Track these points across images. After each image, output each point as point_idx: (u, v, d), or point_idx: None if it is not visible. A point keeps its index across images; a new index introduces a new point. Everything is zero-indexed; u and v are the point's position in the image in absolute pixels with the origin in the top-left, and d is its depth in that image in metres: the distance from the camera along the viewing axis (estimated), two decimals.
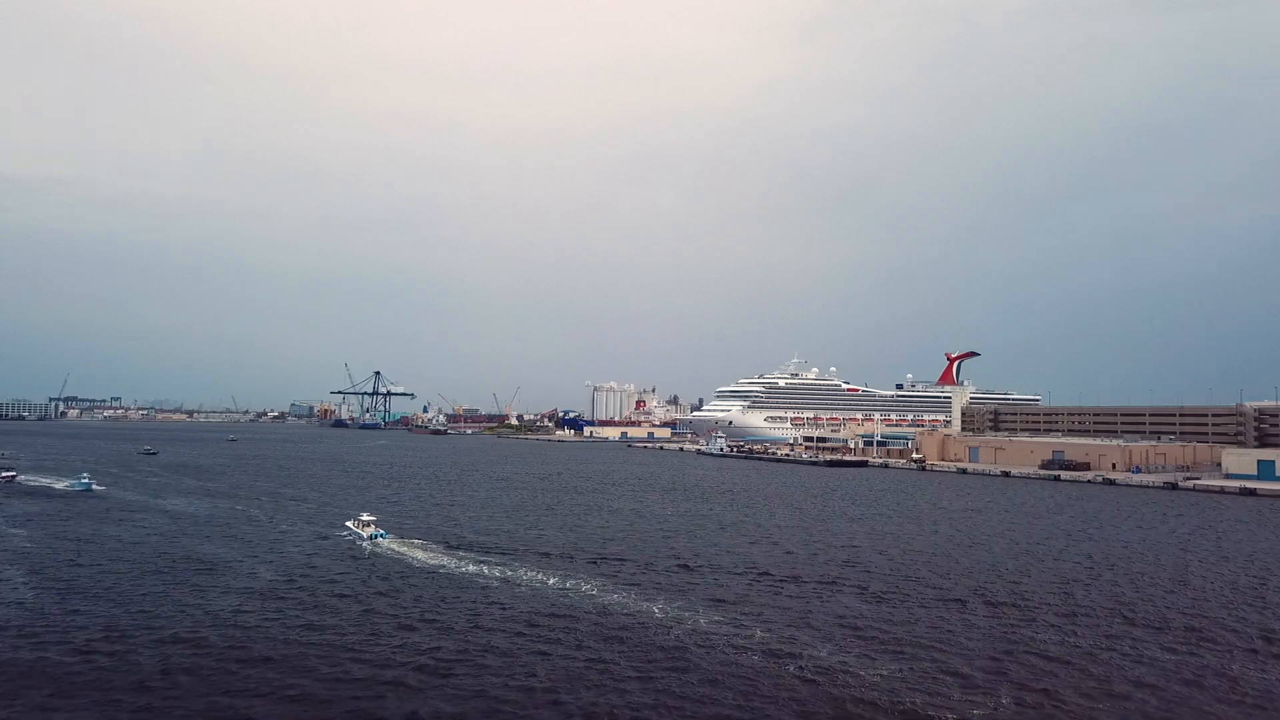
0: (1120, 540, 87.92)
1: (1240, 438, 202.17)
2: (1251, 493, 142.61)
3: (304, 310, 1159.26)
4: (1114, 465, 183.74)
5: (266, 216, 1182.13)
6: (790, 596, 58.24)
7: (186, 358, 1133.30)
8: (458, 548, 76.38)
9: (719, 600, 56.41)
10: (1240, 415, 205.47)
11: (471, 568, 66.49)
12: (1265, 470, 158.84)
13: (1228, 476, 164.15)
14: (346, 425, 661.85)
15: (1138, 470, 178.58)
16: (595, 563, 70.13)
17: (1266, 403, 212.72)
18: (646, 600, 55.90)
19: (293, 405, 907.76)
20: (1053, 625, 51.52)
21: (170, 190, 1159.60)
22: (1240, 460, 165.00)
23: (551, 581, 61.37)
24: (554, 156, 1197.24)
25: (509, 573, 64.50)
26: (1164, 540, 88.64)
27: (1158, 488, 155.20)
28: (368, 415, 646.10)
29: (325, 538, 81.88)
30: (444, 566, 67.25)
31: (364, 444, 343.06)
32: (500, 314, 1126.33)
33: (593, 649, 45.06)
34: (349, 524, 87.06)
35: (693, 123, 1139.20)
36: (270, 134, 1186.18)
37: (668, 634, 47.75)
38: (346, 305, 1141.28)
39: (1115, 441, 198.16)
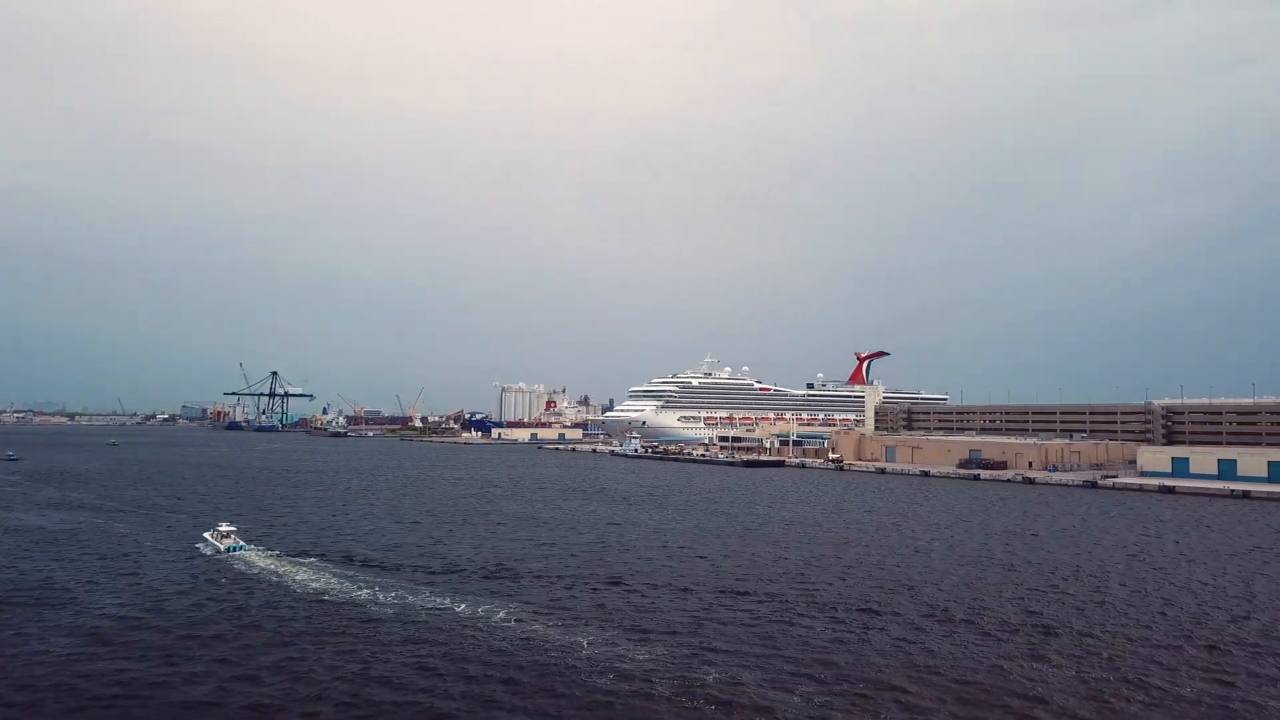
0: (1068, 546, 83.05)
1: (1149, 435, 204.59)
2: (1170, 490, 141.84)
3: (198, 309, 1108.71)
4: (1031, 464, 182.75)
5: (159, 212, 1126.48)
6: (746, 624, 50.23)
7: (70, 358, 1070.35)
8: (347, 564, 66.50)
9: (665, 631, 48.01)
10: (1148, 413, 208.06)
11: (361, 591, 56.69)
12: (1179, 467, 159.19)
13: (1143, 474, 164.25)
14: (241, 428, 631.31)
15: (1054, 469, 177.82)
16: (511, 580, 61.21)
17: (1173, 400, 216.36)
18: (570, 632, 47.20)
19: (184, 407, 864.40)
20: (1075, 657, 44.89)
21: (53, 183, 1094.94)
22: (1155, 458, 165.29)
23: (461, 608, 52.16)
24: (458, 151, 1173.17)
25: (406, 597, 54.96)
26: (1113, 547, 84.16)
27: (1077, 486, 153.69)
28: (264, 417, 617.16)
29: (192, 556, 70.71)
30: (327, 590, 57.15)
31: (258, 448, 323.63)
32: (405, 314, 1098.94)
33: (505, 708, 36.20)
34: (207, 535, 76.30)
35: (597, 123, 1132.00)
36: (161, 126, 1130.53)
37: (600, 678, 39.19)
38: (243, 304, 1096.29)
39: (1030, 440, 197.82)
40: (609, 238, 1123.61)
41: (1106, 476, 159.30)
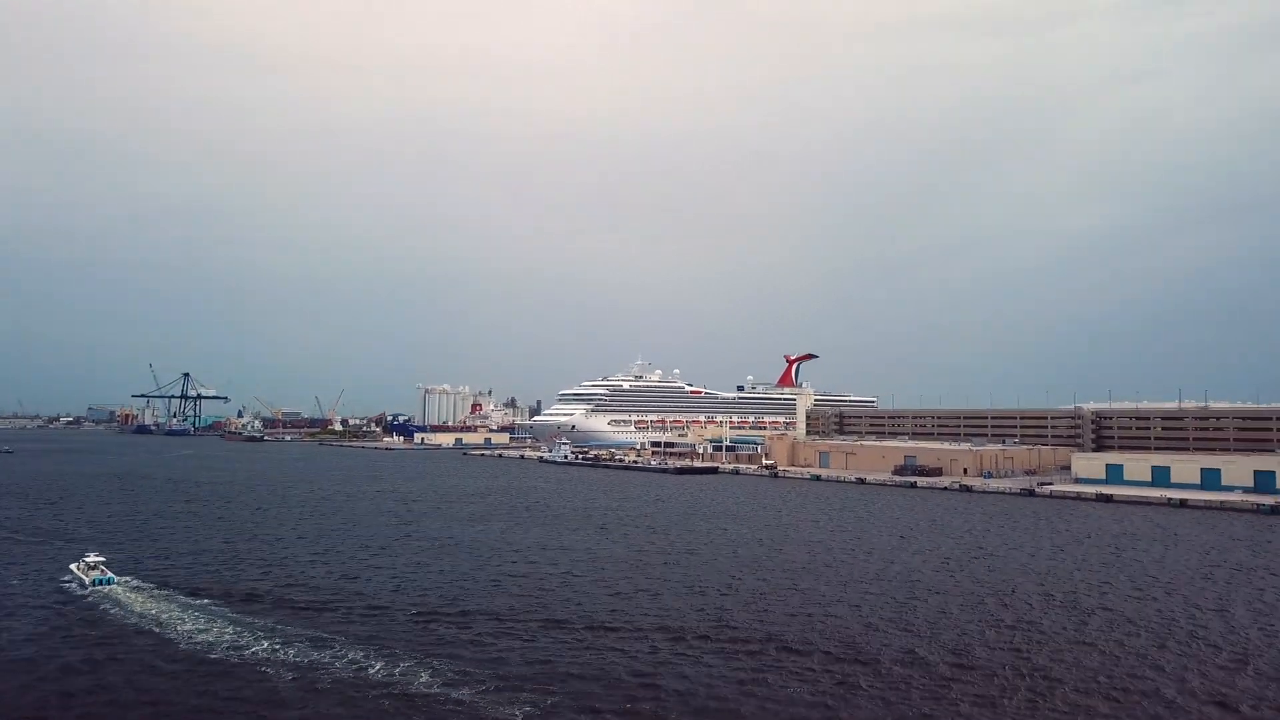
0: (1032, 571, 79.02)
1: (1078, 440, 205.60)
2: (1108, 498, 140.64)
3: (107, 306, 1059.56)
4: (965, 470, 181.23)
5: (65, 205, 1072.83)
6: (716, 681, 43.95)
7: None
8: (248, 604, 58.32)
9: (621, 694, 41.45)
10: (1078, 418, 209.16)
11: (260, 645, 48.69)
12: (1114, 474, 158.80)
13: (1077, 480, 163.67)
14: (151, 431, 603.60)
15: (989, 475, 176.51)
16: (438, 624, 54.00)
17: (1102, 404, 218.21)
18: (507, 700, 40.29)
19: (90, 409, 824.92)
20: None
21: None
22: (1089, 464, 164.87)
23: (377, 667, 44.79)
24: (376, 148, 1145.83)
25: (313, 653, 47.23)
26: (1077, 570, 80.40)
27: (1014, 494, 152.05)
28: (175, 421, 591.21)
29: (55, 593, 61.76)
30: (216, 644, 48.92)
31: (166, 455, 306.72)
32: (326, 313, 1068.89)
33: None
34: (72, 567, 67.43)
35: (520, 122, 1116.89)
36: (67, 118, 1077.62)
37: None
38: (156, 301, 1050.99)
39: (964, 445, 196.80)
40: (539, 234, 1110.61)
41: (1043, 484, 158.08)
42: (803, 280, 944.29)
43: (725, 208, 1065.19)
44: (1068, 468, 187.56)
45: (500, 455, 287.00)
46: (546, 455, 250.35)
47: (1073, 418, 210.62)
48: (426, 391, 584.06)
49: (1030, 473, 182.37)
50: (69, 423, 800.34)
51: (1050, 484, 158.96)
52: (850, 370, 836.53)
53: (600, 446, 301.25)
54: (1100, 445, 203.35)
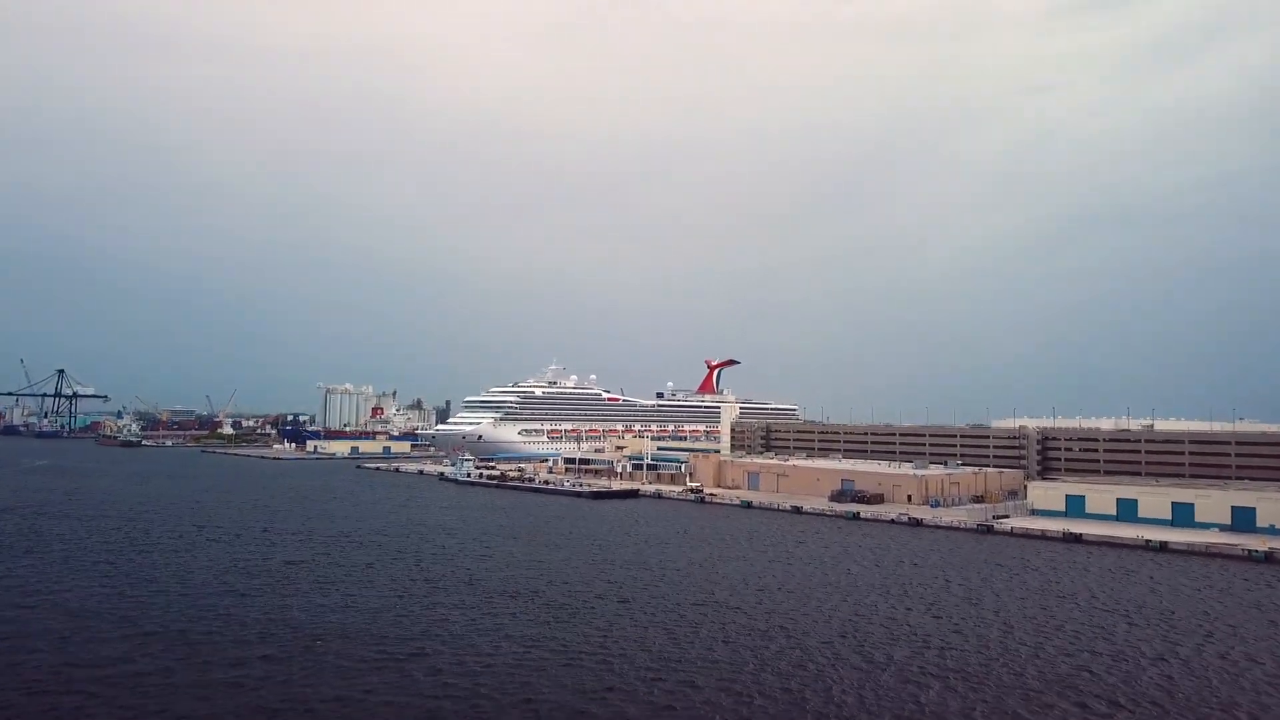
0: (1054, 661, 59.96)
1: (1023, 461, 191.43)
2: (1076, 538, 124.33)
3: None
4: (910, 497, 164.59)
5: None
6: None
7: None
8: None
9: None
10: (1023, 438, 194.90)
11: None
12: (1074, 506, 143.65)
13: (1033, 512, 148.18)
14: (19, 432, 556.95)
15: (936, 503, 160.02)
16: None
17: (1047, 422, 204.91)
18: None
19: None
20: None
21: None
22: (1046, 495, 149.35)
23: None
24: (282, 135, 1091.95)
25: None
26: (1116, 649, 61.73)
27: (970, 529, 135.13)
28: (46, 421, 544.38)
29: None
30: None
31: (19, 461, 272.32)
32: (221, 306, 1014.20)
33: None
34: None
35: (429, 114, 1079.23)
36: None
37: None
38: (31, 293, 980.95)
39: (907, 469, 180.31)
40: (451, 228, 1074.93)
41: (999, 518, 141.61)
42: (720, 283, 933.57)
43: (639, 209, 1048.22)
44: (1015, 493, 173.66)
45: (398, 469, 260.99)
46: (448, 472, 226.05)
47: (1016, 437, 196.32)
48: (327, 391, 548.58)
49: (978, 499, 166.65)
50: None
51: (1007, 517, 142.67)
52: (770, 377, 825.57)
53: (510, 459, 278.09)
54: (1046, 468, 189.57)
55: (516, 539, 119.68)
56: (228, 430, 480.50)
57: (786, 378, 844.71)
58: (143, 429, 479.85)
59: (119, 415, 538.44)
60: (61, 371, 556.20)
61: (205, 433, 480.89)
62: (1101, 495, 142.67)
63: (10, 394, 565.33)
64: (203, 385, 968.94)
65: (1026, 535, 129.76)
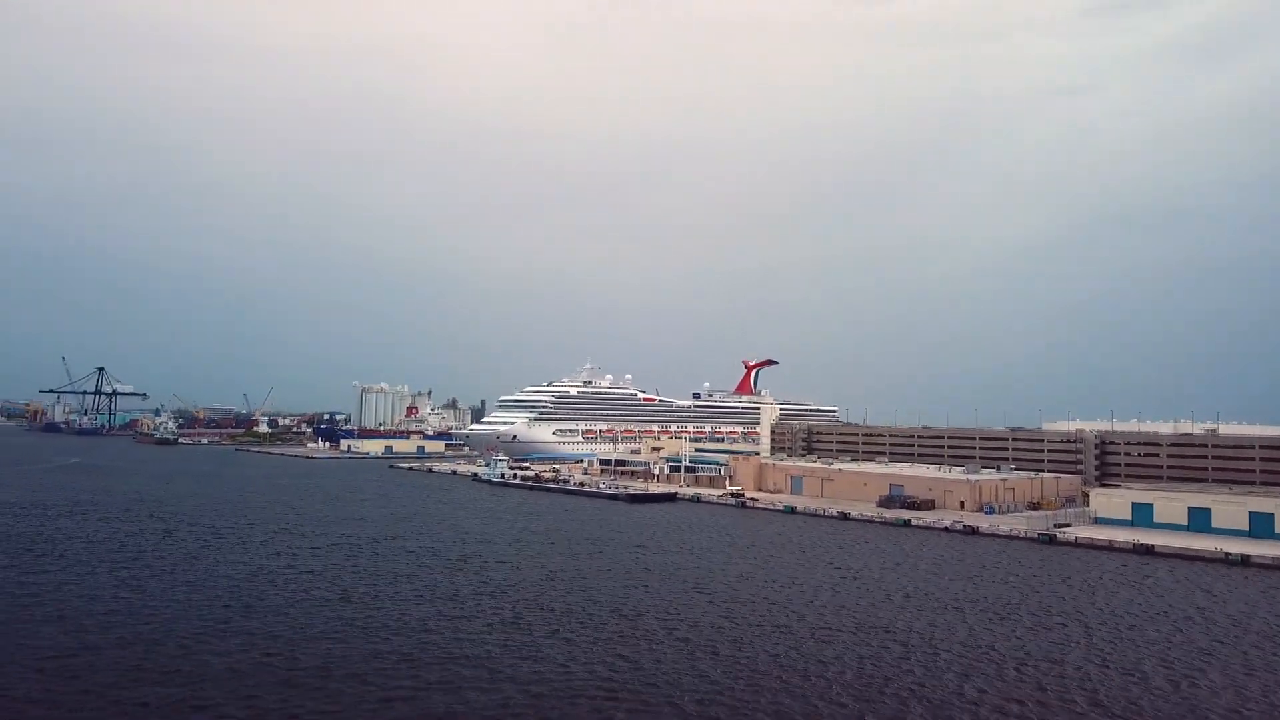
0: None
1: (1080, 466, 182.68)
2: (1148, 550, 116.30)
3: (26, 294, 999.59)
4: (962, 504, 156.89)
5: None
6: None
7: None
8: None
9: None
10: (1080, 441, 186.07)
11: None
12: (1141, 515, 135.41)
13: (1096, 520, 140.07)
14: (60, 430, 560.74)
15: (991, 510, 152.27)
16: None
17: (1105, 425, 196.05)
18: None
19: (4, 403, 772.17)
20: None
21: None
22: (1111, 503, 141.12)
23: None
24: (312, 137, 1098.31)
25: None
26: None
27: (1030, 539, 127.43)
28: (86, 419, 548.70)
29: None
30: None
31: (49, 461, 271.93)
32: (260, 305, 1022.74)
33: None
34: None
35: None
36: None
37: None
38: (75, 292, 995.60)
39: (954, 472, 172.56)
40: (489, 227, 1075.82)
41: (1061, 526, 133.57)
42: (758, 285, 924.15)
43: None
44: (1072, 500, 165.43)
45: (430, 469, 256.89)
46: (481, 473, 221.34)
47: (1073, 441, 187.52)
48: (363, 390, 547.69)
49: (1034, 506, 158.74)
50: None
51: (1069, 526, 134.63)
52: (809, 378, 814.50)
53: (544, 459, 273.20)
54: (1104, 474, 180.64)
55: (552, 545, 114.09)
56: (263, 429, 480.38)
57: (824, 380, 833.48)
58: (179, 427, 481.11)
59: (157, 413, 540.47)
60: (101, 369, 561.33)
61: (241, 431, 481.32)
62: (1171, 504, 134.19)
63: (52, 391, 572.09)
64: (241, 384, 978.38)
65: (1092, 546, 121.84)
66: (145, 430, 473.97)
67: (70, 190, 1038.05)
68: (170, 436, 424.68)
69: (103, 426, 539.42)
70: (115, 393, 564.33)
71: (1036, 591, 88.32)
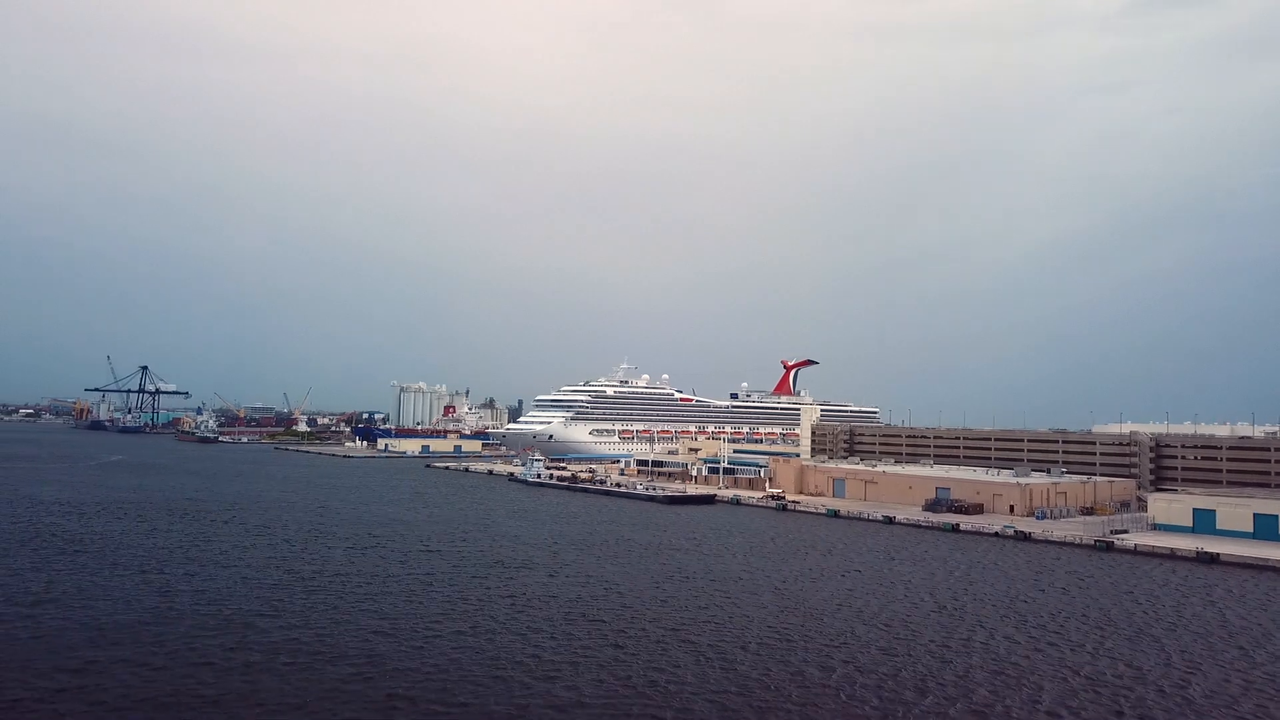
0: None
1: (1134, 471, 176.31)
2: (1213, 559, 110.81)
3: (75, 294, 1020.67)
4: (1012, 508, 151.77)
5: (31, 189, 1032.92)
6: None
7: None
8: None
9: None
10: (1134, 444, 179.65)
11: None
12: (1203, 522, 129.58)
13: (1155, 527, 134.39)
14: (105, 428, 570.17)
15: (1043, 515, 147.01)
16: None
17: (1159, 428, 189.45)
18: None
19: (53, 401, 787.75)
20: None
21: None
22: (1171, 509, 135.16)
23: None
24: (354, 140, 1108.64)
25: None
26: None
27: (1085, 546, 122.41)
28: (130, 417, 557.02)
29: None
30: None
31: (95, 456, 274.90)
32: (301, 305, 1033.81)
33: None
34: None
35: (500, 117, 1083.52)
36: (38, 100, 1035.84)
37: None
38: (121, 291, 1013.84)
39: (1008, 476, 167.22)
40: (528, 232, 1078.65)
41: (1118, 533, 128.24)
42: (794, 286, 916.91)
43: (709, 211, 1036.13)
44: (1126, 505, 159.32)
45: (467, 469, 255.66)
46: (517, 473, 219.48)
47: (1127, 444, 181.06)
48: (401, 389, 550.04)
49: (1087, 512, 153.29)
50: (29, 415, 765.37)
51: (1126, 532, 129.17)
52: (848, 379, 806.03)
53: (580, 459, 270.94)
54: (1160, 478, 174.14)
55: (588, 549, 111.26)
56: (302, 428, 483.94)
57: (863, 381, 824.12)
58: (220, 426, 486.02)
59: (198, 411, 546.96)
60: (145, 368, 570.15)
61: (281, 430, 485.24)
62: (1236, 510, 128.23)
63: (97, 390, 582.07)
64: (282, 383, 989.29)
65: (1153, 554, 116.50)
66: (186, 428, 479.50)
67: (118, 191, 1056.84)
68: (211, 435, 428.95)
69: (146, 425, 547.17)
70: (158, 391, 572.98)
71: (1098, 603, 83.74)
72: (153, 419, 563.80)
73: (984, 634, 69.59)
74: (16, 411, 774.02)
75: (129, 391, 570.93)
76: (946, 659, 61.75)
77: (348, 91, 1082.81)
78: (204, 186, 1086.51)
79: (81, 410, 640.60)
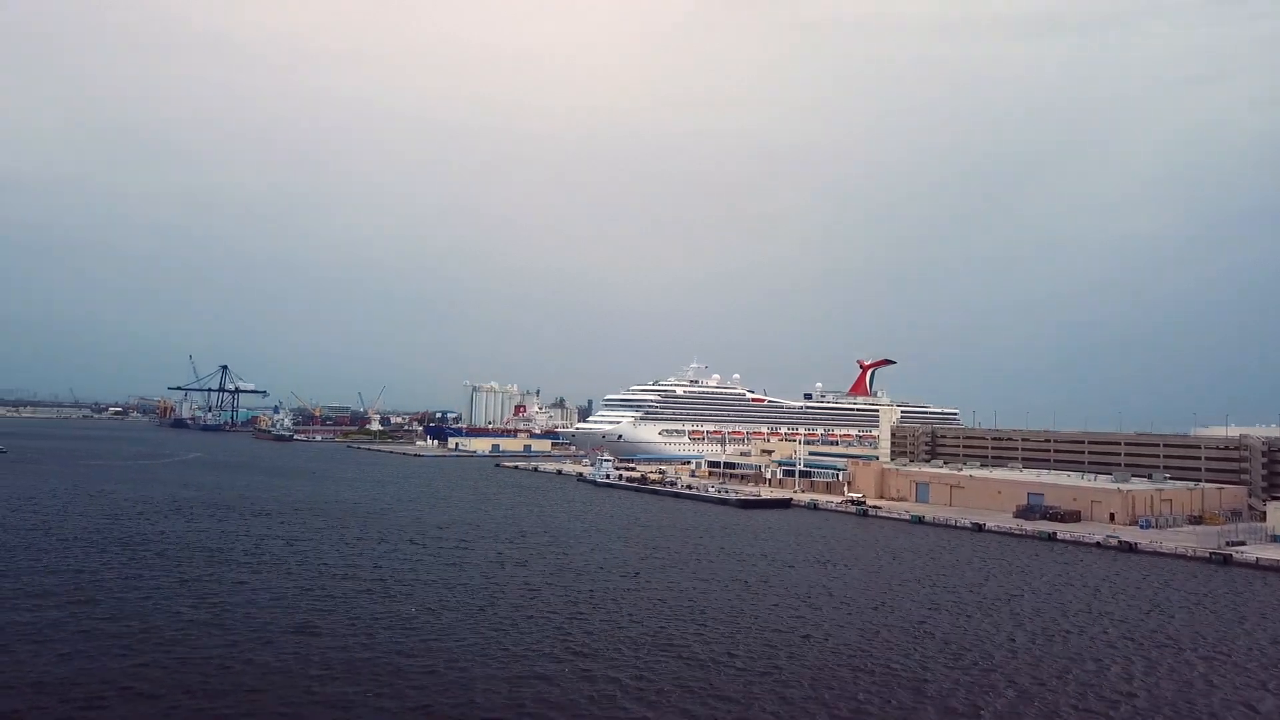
0: None
1: (1244, 476, 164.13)
2: None
3: (164, 296, 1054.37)
4: (1112, 516, 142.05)
5: (127, 195, 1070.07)
6: None
7: (20, 340, 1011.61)
8: None
9: None
10: (1244, 449, 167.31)
11: None
12: None
13: (1275, 539, 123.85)
14: (187, 426, 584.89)
15: (1147, 524, 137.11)
16: None
17: (1269, 430, 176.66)
18: None
19: (140, 400, 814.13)
20: None
21: (22, 165, 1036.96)
22: None
23: None
24: (425, 143, 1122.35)
25: None
26: None
27: (1199, 559, 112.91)
28: (210, 415, 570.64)
29: None
30: None
31: (173, 457, 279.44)
32: (379, 306, 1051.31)
33: None
34: None
35: (554, 118, 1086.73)
36: (135, 109, 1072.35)
37: None
38: (208, 293, 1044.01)
39: (1102, 480, 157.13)
40: (596, 234, 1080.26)
41: (1234, 544, 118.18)
42: (868, 284, 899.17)
43: (782, 212, 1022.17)
44: (1238, 513, 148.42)
45: (536, 468, 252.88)
46: (586, 473, 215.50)
47: (1236, 448, 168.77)
48: (474, 389, 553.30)
49: (1195, 520, 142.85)
50: (116, 413, 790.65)
51: (1244, 544, 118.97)
52: (923, 379, 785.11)
53: (649, 459, 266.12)
54: (1273, 484, 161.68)
55: (662, 552, 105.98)
56: (375, 426, 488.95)
57: (941, 381, 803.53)
58: (296, 424, 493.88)
59: (276, 410, 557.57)
60: (224, 368, 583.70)
61: (355, 429, 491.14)
62: None
63: (179, 388, 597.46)
64: (357, 383, 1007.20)
65: (1277, 569, 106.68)
66: (263, 427, 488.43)
67: (201, 196, 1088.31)
68: (286, 433, 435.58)
69: (225, 423, 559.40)
70: (237, 390, 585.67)
71: (1229, 626, 75.42)
72: (232, 417, 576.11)
73: (1119, 668, 62.26)
74: (106, 410, 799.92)
75: (209, 390, 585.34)
76: (1083, 695, 54.86)
77: (408, 97, 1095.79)
78: (290, 192, 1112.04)
79: (165, 409, 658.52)
